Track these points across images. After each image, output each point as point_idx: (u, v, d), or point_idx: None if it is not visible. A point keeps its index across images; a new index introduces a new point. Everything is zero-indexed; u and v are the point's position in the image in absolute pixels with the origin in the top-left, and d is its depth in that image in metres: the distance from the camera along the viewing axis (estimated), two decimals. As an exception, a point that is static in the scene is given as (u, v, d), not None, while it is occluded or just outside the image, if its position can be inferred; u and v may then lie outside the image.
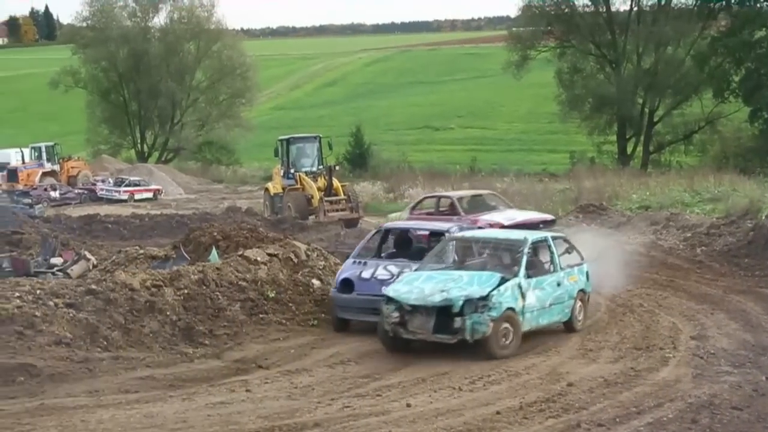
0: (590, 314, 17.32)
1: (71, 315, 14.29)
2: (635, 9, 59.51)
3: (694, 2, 58.92)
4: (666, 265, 22.07)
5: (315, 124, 73.34)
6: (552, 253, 15.77)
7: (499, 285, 14.18)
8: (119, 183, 51.54)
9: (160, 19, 74.63)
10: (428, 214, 25.40)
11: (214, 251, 19.18)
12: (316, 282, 17.54)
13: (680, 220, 26.22)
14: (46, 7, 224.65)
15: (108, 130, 73.63)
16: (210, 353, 14.43)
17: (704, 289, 19.55)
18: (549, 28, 60.97)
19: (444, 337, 13.92)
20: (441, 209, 25.55)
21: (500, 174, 48.42)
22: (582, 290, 16.20)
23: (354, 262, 17.06)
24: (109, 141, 73.74)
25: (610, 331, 15.95)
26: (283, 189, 36.32)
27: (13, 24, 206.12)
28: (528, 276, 14.81)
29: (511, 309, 14.22)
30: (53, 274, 19.37)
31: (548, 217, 25.56)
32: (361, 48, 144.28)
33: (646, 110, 58.26)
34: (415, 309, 14.10)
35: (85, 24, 73.74)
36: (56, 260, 20.64)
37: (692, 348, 14.45)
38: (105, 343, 14.08)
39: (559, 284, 15.46)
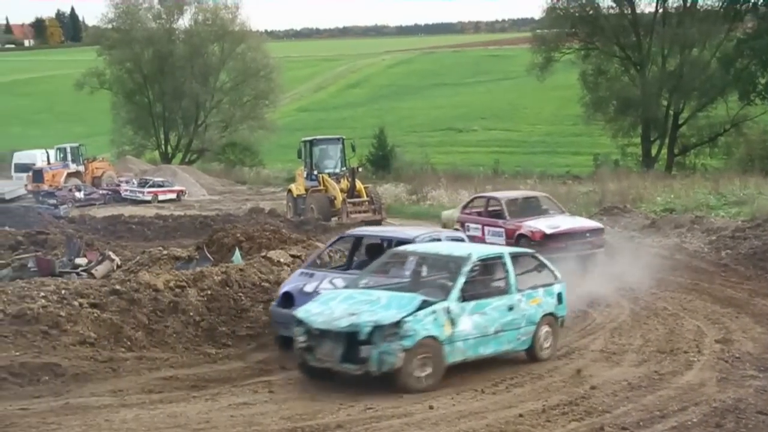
0: (614, 318, 17.25)
1: (95, 315, 14.37)
2: (660, 11, 59.12)
3: (720, 4, 58.55)
4: (690, 268, 21.99)
5: (338, 125, 73.43)
6: (507, 272, 13.91)
7: (418, 309, 12.46)
8: (143, 184, 51.70)
9: (184, 21, 74.88)
10: (478, 214, 25.09)
11: (237, 252, 19.24)
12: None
13: (705, 223, 26.12)
14: (72, 9, 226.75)
15: (132, 131, 73.87)
16: (233, 354, 14.48)
17: (729, 292, 19.44)
18: (573, 30, 60.60)
19: (350, 368, 12.32)
20: (490, 210, 24.86)
21: (523, 176, 48.26)
22: (551, 314, 14.34)
23: (301, 273, 15.70)
24: (134, 142, 73.96)
25: (633, 334, 15.88)
26: (306, 190, 36.36)
27: (39, 25, 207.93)
28: (464, 299, 13.00)
29: (433, 337, 12.46)
30: (78, 274, 19.46)
31: (596, 225, 24.15)
32: (385, 50, 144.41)
33: (671, 112, 57.86)
34: (324, 334, 12.54)
35: (110, 26, 73.92)
36: (81, 260, 20.72)
37: (717, 352, 14.39)
38: (129, 343, 14.15)
39: (511, 308, 13.59)
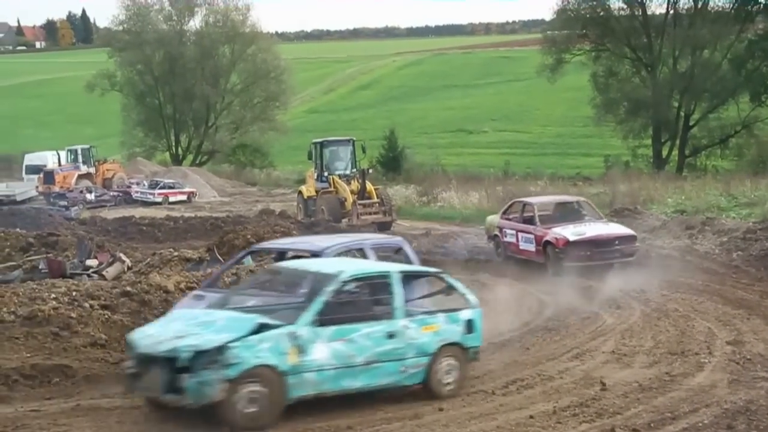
0: (624, 319, 17.19)
1: (106, 317, 14.40)
2: (671, 12, 59.16)
3: (732, 5, 58.46)
4: (701, 270, 21.94)
5: (349, 127, 73.42)
6: (392, 293, 12.04)
7: (252, 333, 10.77)
8: (154, 185, 51.87)
9: (195, 23, 75.20)
10: (515, 219, 24.60)
11: (248, 254, 19.21)
12: None
13: (716, 225, 26.04)
14: (83, 11, 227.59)
15: (143, 132, 74.11)
16: (244, 355, 14.44)
17: (740, 293, 19.39)
18: (584, 31, 60.61)
19: (173, 399, 10.64)
20: (525, 215, 24.21)
21: (534, 177, 48.22)
22: (456, 344, 12.41)
23: (194, 295, 14.30)
24: (144, 144, 74.23)
25: (644, 335, 15.81)
26: (317, 192, 36.39)
27: (50, 27, 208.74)
28: (322, 323, 11.22)
29: (269, 367, 10.74)
30: (88, 275, 19.49)
31: (627, 232, 23.10)
32: (396, 51, 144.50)
33: (682, 114, 57.80)
34: (149, 359, 10.91)
35: (121, 27, 74.24)
36: (91, 262, 20.74)
37: (728, 353, 14.32)
38: (140, 344, 14.17)
39: (392, 336, 11.74)
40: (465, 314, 12.62)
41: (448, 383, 12.25)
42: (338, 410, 11.35)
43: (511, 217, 25.03)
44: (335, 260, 13.65)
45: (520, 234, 23.93)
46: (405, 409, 11.50)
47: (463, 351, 12.51)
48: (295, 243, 16.37)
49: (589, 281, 20.47)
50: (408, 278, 12.57)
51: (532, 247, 23.29)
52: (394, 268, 12.77)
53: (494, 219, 26.00)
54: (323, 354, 11.16)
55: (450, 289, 12.97)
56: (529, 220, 23.80)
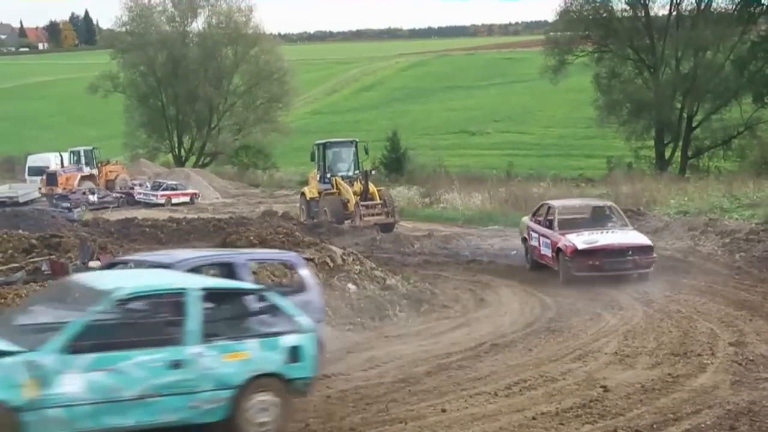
0: (627, 320, 17.17)
1: (109, 317, 14.35)
2: (674, 13, 59.07)
3: (734, 6, 58.41)
4: (704, 271, 21.92)
5: (352, 128, 73.49)
6: (185, 314, 10.07)
7: None
8: (157, 187, 51.89)
9: (198, 24, 75.03)
10: (541, 223, 23.40)
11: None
12: (351, 286, 17.52)
13: (719, 226, 26.03)
14: (86, 12, 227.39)
15: (146, 134, 74.03)
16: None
17: (743, 295, 19.39)
18: (587, 32, 60.52)
19: None
20: (548, 219, 23.01)
21: (537, 179, 48.17)
22: (275, 375, 10.42)
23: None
24: (147, 145, 74.13)
25: (647, 336, 15.81)
26: (320, 193, 36.39)
27: (53, 29, 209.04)
28: (77, 350, 9.29)
29: None
30: (91, 277, 19.48)
31: (643, 242, 21.67)
32: (398, 52, 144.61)
33: (685, 115, 57.70)
34: None
35: (124, 29, 74.17)
36: (94, 264, 20.75)
37: (731, 354, 14.32)
38: (142, 345, 14.13)
39: (178, 365, 9.78)
40: (288, 340, 10.57)
41: (264, 424, 10.29)
42: (341, 411, 11.39)
43: (538, 219, 23.82)
44: (123, 273, 12.00)
45: (541, 238, 22.88)
46: (408, 411, 11.51)
47: (286, 384, 10.51)
48: (155, 255, 14.31)
49: (593, 283, 20.42)
50: (214, 297, 10.62)
51: (549, 253, 22.27)
52: (195, 284, 10.59)
53: (525, 220, 24.90)
54: (76, 387, 9.29)
55: (274, 309, 10.85)
56: (549, 224, 22.80)
